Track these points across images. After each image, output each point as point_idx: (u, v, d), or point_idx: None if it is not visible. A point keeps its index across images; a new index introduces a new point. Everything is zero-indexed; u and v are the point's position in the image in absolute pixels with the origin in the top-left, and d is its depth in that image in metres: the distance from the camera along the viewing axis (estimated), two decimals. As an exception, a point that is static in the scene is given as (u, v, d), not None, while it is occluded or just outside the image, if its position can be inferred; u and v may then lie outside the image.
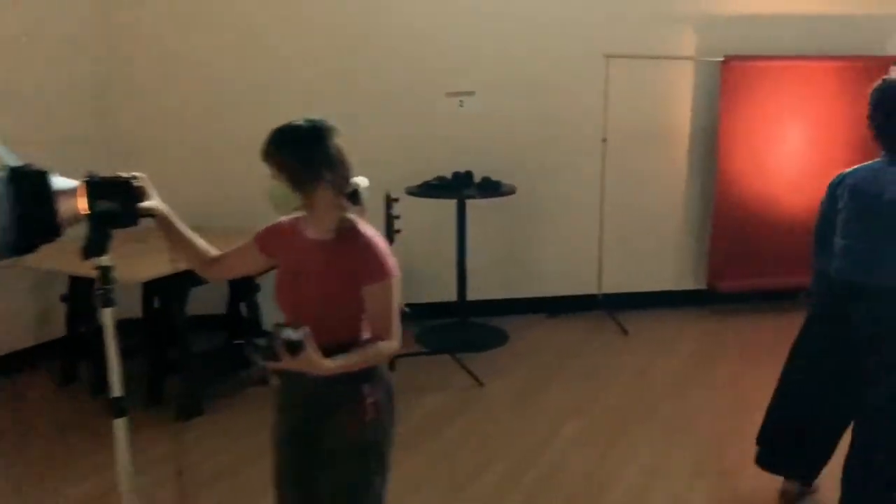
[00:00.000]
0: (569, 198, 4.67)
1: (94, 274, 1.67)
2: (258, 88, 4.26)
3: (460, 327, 4.41)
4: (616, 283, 4.75)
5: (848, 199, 2.35)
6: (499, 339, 4.38)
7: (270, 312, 3.51)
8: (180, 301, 3.39)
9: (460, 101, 4.50)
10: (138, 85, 4.31)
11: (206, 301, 3.66)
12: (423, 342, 4.26)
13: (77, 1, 4.12)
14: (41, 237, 1.53)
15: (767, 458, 2.67)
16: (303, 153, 1.62)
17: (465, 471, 2.94)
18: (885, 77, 2.34)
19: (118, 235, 1.65)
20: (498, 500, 2.75)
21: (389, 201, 3.56)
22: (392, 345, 1.66)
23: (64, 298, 3.66)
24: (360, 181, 1.70)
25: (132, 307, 3.54)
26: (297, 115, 1.70)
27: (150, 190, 1.66)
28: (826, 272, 2.43)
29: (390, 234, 3.59)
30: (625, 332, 4.46)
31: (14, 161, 1.50)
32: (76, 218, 1.57)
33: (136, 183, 1.62)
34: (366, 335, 1.69)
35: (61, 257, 2.43)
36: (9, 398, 3.58)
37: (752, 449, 2.84)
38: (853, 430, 2.42)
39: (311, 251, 1.69)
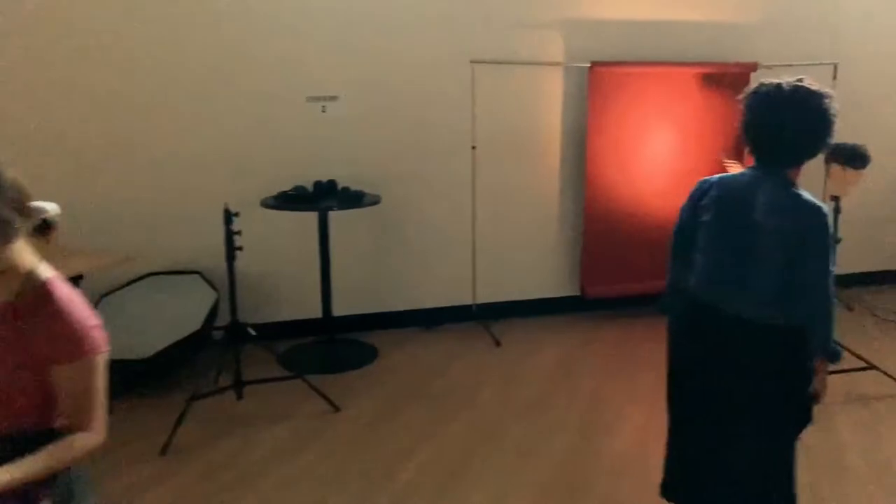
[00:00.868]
0: (440, 206, 4.52)
1: None
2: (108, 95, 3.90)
3: (326, 346, 4.19)
4: (491, 292, 4.65)
5: (713, 213, 2.08)
6: (367, 356, 4.18)
7: None
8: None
9: (322, 106, 4.27)
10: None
11: None
12: (284, 364, 4.01)
13: None
14: None
15: (667, 490, 2.35)
16: None
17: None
18: (761, 81, 2.07)
19: None
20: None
21: (229, 216, 3.30)
22: (92, 439, 1.35)
23: None
24: (48, 206, 1.39)
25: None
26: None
27: None
28: (681, 287, 2.20)
29: (231, 251, 3.33)
30: (497, 343, 4.36)
31: None
32: None
33: None
34: (61, 423, 1.37)
35: None
36: None
37: (602, 468, 2.77)
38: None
39: None
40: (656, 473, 2.41)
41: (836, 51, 4.85)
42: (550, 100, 4.62)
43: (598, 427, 3.35)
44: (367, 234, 4.46)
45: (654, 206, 4.58)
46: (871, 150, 3.55)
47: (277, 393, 3.59)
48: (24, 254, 1.35)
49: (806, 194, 2.00)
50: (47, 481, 1.35)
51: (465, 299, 4.61)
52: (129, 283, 4.01)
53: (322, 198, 3.99)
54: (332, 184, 4.11)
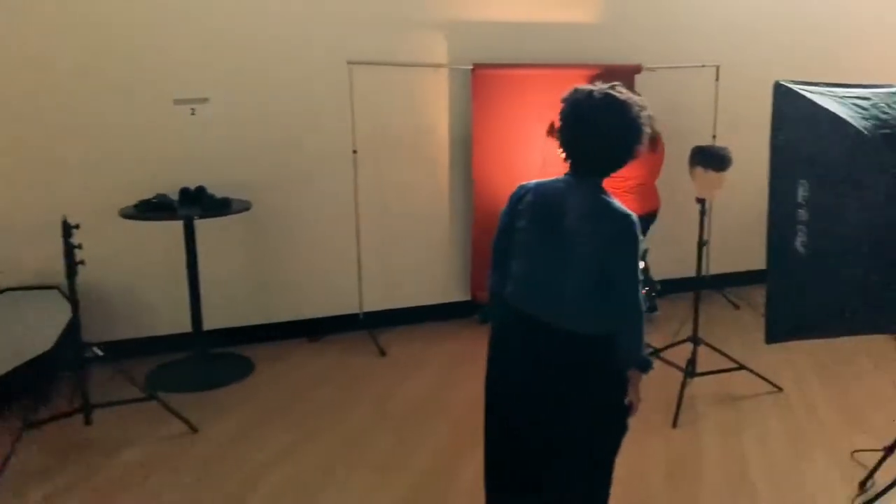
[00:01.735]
0: (321, 213, 4.36)
1: None
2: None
3: (197, 362, 3.97)
4: (379, 300, 4.52)
5: (528, 219, 2.03)
6: (242, 371, 3.98)
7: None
8: None
9: (192, 108, 4.06)
10: None
11: None
12: (152, 383, 3.78)
13: None
14: None
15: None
16: None
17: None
18: (575, 87, 2.01)
19: None
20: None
21: (67, 228, 3.07)
22: None
23: None
24: None
25: None
26: None
27: None
28: (501, 294, 2.12)
29: (71, 267, 3.10)
30: (383, 353, 4.23)
31: None
32: None
33: None
34: None
35: None
36: None
37: (461, 489, 2.67)
38: None
39: None
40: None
41: (719, 53, 4.92)
42: (436, 101, 4.52)
43: (466, 441, 3.24)
44: (246, 243, 4.26)
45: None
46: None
47: (134, 415, 3.36)
48: None
49: (615, 202, 1.95)
50: None
51: (352, 308, 4.47)
52: (-21, 300, 3.72)
53: (187, 205, 3.78)
54: (200, 190, 3.91)
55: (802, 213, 2.22)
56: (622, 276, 1.90)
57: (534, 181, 2.11)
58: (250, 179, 4.15)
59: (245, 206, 3.89)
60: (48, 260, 3.82)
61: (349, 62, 4.13)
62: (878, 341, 4.21)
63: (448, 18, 4.45)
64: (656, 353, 4.02)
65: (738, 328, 4.61)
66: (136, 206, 3.73)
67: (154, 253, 4.05)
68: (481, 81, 4.35)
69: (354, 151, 4.24)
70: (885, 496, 2.66)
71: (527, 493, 2.07)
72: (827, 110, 2.13)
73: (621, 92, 1.95)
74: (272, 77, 4.15)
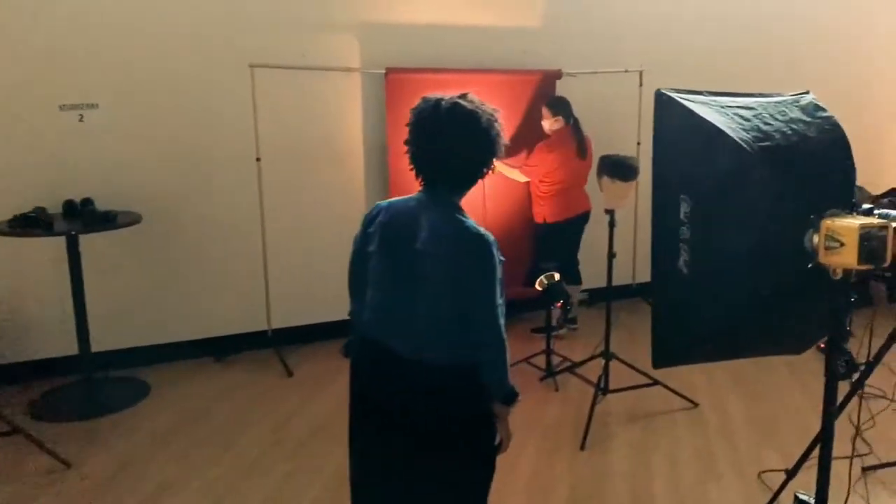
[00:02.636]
0: (224, 224, 4.13)
1: None
2: None
3: (85, 387, 3.69)
4: (289, 316, 4.30)
5: (378, 242, 1.84)
6: (135, 395, 3.72)
7: None
8: None
9: (80, 114, 3.78)
10: None
11: None
12: (36, 411, 3.50)
13: None
14: None
15: None
16: None
17: None
18: (424, 97, 1.86)
19: None
20: None
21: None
22: None
23: None
24: None
25: None
26: None
27: None
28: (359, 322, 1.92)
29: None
30: (290, 373, 4.01)
31: None
32: None
33: None
34: None
35: None
36: None
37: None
38: None
39: None
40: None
41: (642, 58, 4.82)
42: (349, 107, 4.33)
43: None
44: (141, 258, 3.99)
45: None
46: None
47: (2, 448, 3.08)
48: None
49: (470, 221, 1.78)
50: None
51: (260, 325, 4.23)
52: None
53: (68, 220, 3.51)
54: (88, 203, 3.64)
55: (685, 231, 2.08)
56: (479, 301, 1.72)
57: (387, 200, 1.93)
58: (145, 190, 3.89)
59: (135, 220, 3.63)
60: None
61: (251, 65, 3.90)
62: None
63: (361, 21, 4.26)
64: (572, 368, 3.90)
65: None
66: (10, 220, 3.45)
67: (38, 271, 3.76)
68: (395, 86, 4.17)
69: (258, 159, 4.01)
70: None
71: None
72: (707, 121, 2.00)
73: (471, 101, 1.79)
74: (168, 81, 3.90)
